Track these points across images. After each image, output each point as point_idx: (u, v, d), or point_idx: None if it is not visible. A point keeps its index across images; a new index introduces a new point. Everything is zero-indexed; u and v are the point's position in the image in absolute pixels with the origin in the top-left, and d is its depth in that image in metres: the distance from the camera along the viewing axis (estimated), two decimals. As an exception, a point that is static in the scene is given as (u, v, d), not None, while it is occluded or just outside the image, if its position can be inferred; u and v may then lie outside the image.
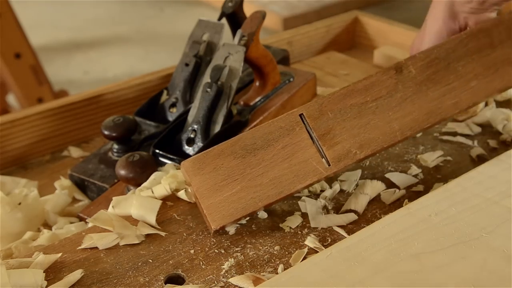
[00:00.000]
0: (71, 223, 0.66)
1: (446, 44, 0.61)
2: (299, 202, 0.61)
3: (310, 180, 0.56)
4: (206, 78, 0.73)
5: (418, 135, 0.73)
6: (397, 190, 0.62)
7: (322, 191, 0.63)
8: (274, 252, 0.54)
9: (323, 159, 0.56)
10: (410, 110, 0.59)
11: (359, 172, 0.65)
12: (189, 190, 0.60)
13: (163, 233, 0.57)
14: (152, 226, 0.58)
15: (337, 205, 0.61)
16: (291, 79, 0.84)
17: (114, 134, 0.72)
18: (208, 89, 0.71)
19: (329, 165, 0.56)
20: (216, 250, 0.55)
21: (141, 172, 0.64)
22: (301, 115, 0.57)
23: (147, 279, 0.51)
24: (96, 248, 0.55)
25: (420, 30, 0.67)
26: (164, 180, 0.62)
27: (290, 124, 0.56)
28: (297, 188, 0.56)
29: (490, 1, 0.61)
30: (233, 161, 0.55)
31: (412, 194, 0.62)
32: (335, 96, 0.58)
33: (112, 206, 0.59)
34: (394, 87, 0.59)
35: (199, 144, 0.71)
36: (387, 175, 0.65)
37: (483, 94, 0.61)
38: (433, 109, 0.60)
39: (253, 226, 0.58)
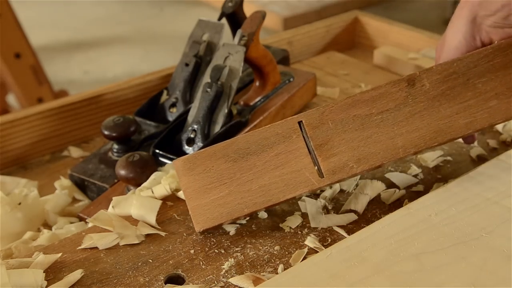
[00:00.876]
0: (71, 223, 0.66)
1: (468, 57, 0.56)
2: (299, 202, 0.61)
3: (301, 191, 0.55)
4: (206, 78, 0.73)
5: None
6: (397, 190, 0.62)
7: (322, 191, 0.63)
8: (274, 252, 0.54)
9: (317, 171, 0.55)
10: (418, 127, 0.55)
11: (359, 172, 0.65)
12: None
13: (163, 233, 0.57)
14: (152, 226, 0.58)
15: (337, 205, 0.61)
16: (291, 79, 0.84)
17: (114, 134, 0.71)
18: (208, 89, 0.71)
19: (322, 177, 0.54)
20: (216, 250, 0.55)
21: (141, 172, 0.64)
22: (299, 123, 0.55)
23: (147, 279, 0.51)
24: (96, 248, 0.55)
25: (441, 38, 0.62)
26: (164, 180, 0.62)
27: (287, 131, 0.54)
28: (286, 198, 0.54)
29: None
30: (224, 164, 0.54)
31: (412, 194, 0.62)
32: (339, 105, 0.55)
33: (112, 206, 0.59)
34: (403, 101, 0.55)
35: (199, 144, 0.71)
36: (387, 175, 0.65)
37: (502, 116, 0.56)
38: (443, 127, 0.56)
39: (253, 226, 0.58)
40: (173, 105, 0.80)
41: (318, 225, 0.57)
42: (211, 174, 0.53)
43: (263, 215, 0.59)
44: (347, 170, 0.55)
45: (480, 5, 0.56)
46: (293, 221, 0.58)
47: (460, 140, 0.71)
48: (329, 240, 0.55)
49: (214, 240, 0.56)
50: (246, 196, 0.54)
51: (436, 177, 0.65)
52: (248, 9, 0.84)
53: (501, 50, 0.57)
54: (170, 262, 0.53)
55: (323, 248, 0.54)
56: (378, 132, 0.55)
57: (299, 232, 0.57)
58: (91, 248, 0.55)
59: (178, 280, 0.52)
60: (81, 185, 0.72)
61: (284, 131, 0.54)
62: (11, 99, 1.80)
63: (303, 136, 0.54)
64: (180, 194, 0.61)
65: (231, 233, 0.57)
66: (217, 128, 0.72)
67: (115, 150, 0.74)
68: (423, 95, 0.56)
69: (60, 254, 0.54)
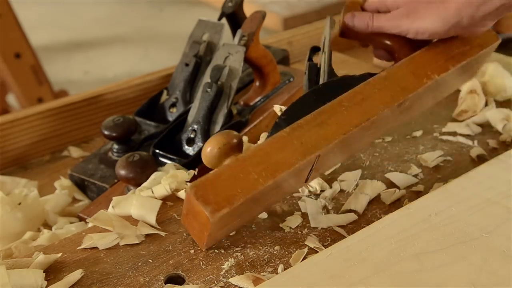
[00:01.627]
0: (71, 223, 0.66)
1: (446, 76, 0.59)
2: (299, 202, 0.61)
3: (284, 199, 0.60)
4: (206, 78, 0.73)
5: (419, 134, 0.73)
6: (397, 190, 0.62)
7: (322, 191, 0.63)
8: (274, 252, 0.54)
9: (304, 182, 0.57)
10: (374, 137, 0.62)
11: (359, 172, 0.65)
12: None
13: (163, 233, 0.57)
14: (152, 226, 0.57)
15: (337, 205, 0.61)
16: (291, 79, 0.84)
17: (114, 134, 0.72)
18: (208, 89, 0.71)
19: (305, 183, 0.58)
20: (216, 250, 0.55)
21: (141, 172, 0.64)
22: (317, 156, 0.53)
23: (147, 279, 0.51)
24: (96, 248, 0.55)
25: None
26: (164, 180, 0.62)
27: (306, 166, 0.53)
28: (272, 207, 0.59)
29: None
30: (248, 209, 0.52)
31: (412, 194, 0.62)
32: (353, 136, 0.54)
33: (112, 206, 0.59)
34: (386, 121, 0.58)
35: (199, 144, 0.71)
36: (387, 175, 0.65)
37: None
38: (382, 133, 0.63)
39: (253, 226, 0.58)
40: (173, 105, 0.80)
41: (318, 225, 0.57)
42: (237, 221, 0.53)
43: (263, 215, 0.59)
44: (317, 175, 0.61)
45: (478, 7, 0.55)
46: (293, 221, 0.58)
47: (460, 140, 0.71)
48: (329, 240, 0.55)
49: (214, 240, 0.56)
50: (252, 219, 0.57)
51: (436, 177, 0.65)
52: (248, 9, 0.84)
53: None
54: (170, 262, 0.53)
55: (323, 248, 0.54)
56: (356, 148, 0.60)
57: (299, 232, 0.57)
58: (91, 248, 0.55)
59: (178, 280, 0.52)
60: (81, 185, 0.72)
61: (305, 167, 0.53)
62: (11, 99, 1.80)
63: (313, 165, 0.54)
64: (180, 194, 0.61)
65: (231, 233, 0.57)
66: (217, 128, 0.71)
67: (115, 150, 0.74)
68: (399, 114, 0.58)
69: (60, 254, 0.54)
